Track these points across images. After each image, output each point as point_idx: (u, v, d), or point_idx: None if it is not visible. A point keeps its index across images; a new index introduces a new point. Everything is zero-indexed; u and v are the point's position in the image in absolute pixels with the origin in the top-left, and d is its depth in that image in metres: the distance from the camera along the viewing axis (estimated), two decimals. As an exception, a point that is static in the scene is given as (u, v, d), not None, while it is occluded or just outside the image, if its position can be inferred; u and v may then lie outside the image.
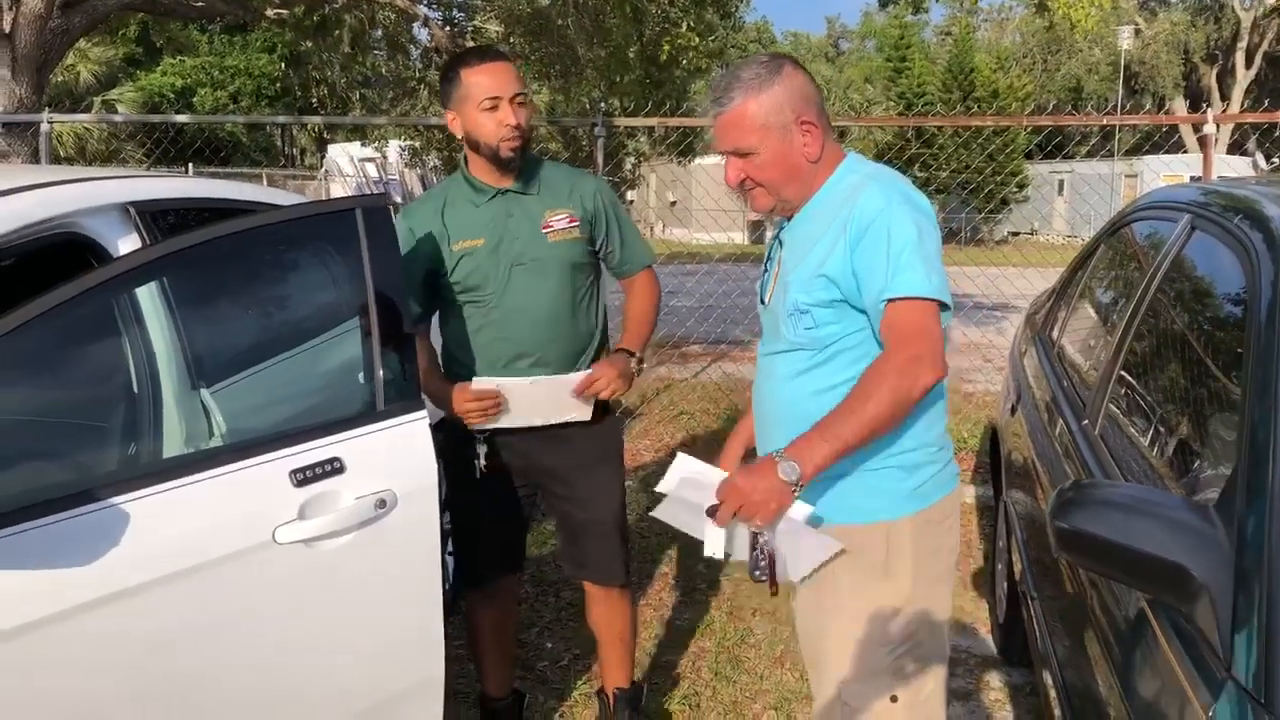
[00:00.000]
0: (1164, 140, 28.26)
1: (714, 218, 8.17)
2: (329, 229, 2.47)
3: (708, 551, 1.98)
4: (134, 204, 2.53)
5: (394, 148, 23.21)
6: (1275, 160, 32.25)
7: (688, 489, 2.03)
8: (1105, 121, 6.29)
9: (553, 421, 2.73)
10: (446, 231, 2.71)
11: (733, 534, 1.98)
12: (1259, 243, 1.97)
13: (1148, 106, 35.26)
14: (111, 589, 1.95)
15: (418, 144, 13.21)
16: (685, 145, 13.09)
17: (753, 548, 1.96)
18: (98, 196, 2.48)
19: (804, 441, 1.87)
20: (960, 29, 41.05)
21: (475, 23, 8.24)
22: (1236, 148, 34.09)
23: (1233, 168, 29.02)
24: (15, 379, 2.02)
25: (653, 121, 6.50)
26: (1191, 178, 27.16)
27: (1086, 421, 2.53)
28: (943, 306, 1.92)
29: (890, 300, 1.89)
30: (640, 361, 2.80)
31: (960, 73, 32.54)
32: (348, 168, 27.41)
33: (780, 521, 1.92)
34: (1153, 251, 2.61)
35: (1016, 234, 32.66)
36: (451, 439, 2.74)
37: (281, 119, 10.02)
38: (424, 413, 2.41)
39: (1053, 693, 2.39)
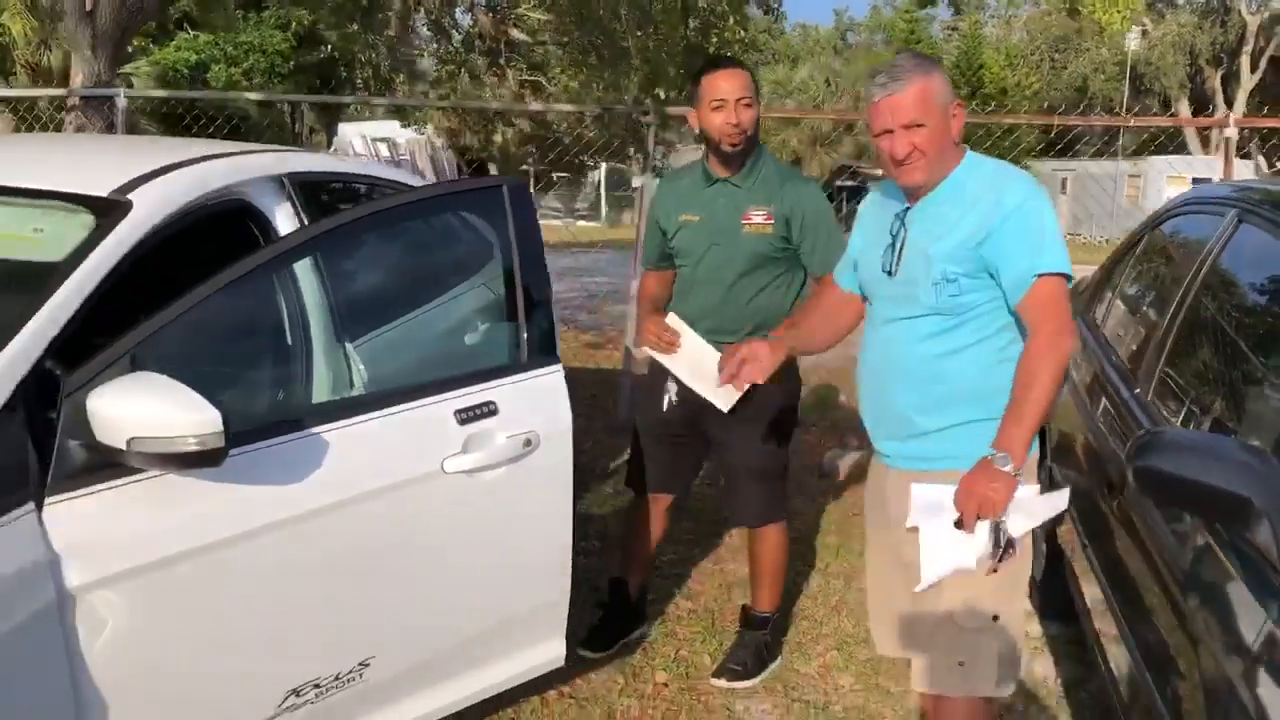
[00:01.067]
0: (1169, 141, 28.52)
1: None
2: (480, 205, 2.79)
3: (936, 570, 2.33)
4: (288, 176, 2.85)
5: (400, 131, 23.51)
6: (1277, 164, 32.74)
7: (925, 517, 2.35)
8: (1131, 123, 6.62)
9: (695, 389, 3.15)
10: (679, 204, 3.26)
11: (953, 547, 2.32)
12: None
13: (1154, 108, 35.57)
14: (318, 504, 2.28)
15: (453, 124, 13.53)
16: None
17: (994, 540, 2.28)
18: (259, 169, 2.81)
19: (1006, 434, 2.24)
20: (969, 25, 41.26)
21: (519, 9, 8.55)
22: (1238, 150, 34.47)
23: (1236, 170, 29.44)
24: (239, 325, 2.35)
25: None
26: (1194, 179, 27.40)
27: (1139, 389, 2.86)
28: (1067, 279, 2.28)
29: (1040, 275, 2.25)
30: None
31: (969, 69, 32.83)
32: (359, 146, 27.72)
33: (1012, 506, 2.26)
34: (1199, 242, 2.94)
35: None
36: (655, 371, 3.30)
37: (346, 99, 10.27)
38: (559, 366, 2.75)
39: (1109, 636, 2.71)
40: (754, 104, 3.13)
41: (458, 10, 8.54)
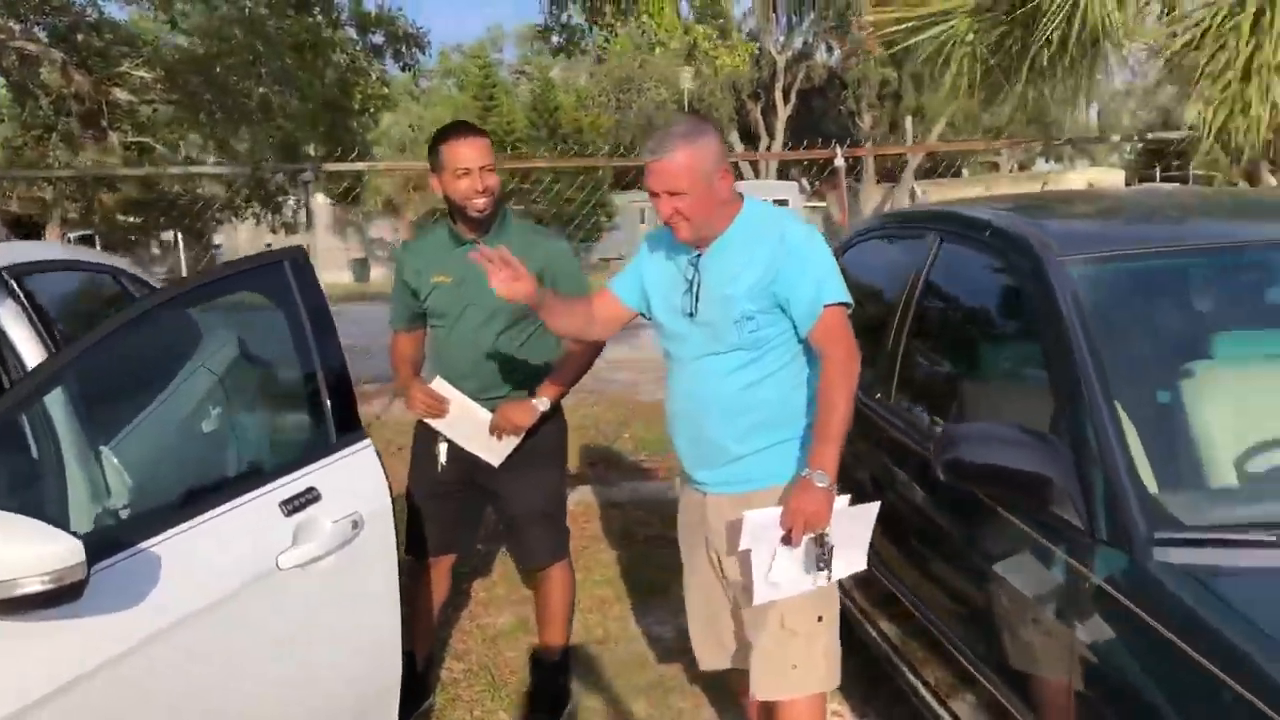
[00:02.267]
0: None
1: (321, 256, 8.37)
2: (261, 282, 2.65)
3: (771, 592, 2.49)
4: (7, 269, 2.59)
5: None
6: (818, 184, 37.19)
7: (756, 540, 2.47)
8: (778, 157, 7.30)
9: (469, 449, 3.25)
10: (429, 265, 3.27)
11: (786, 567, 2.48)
12: (1016, 249, 2.76)
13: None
14: (162, 625, 2.09)
15: (48, 196, 12.17)
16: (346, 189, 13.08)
17: (821, 551, 2.45)
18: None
19: (818, 454, 2.43)
20: (536, 69, 43.04)
21: (122, 68, 7.92)
22: (779, 174, 38.85)
23: (785, 190, 33.04)
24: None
25: (362, 166, 6.70)
26: (776, 200, 30.42)
27: (880, 395, 3.25)
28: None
29: (826, 305, 2.49)
30: (545, 404, 3.26)
31: (546, 110, 34.27)
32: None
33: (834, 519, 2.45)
34: (906, 263, 3.38)
35: (608, 260, 34.90)
36: (424, 434, 3.33)
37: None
38: (369, 440, 2.67)
39: (909, 642, 3.00)
40: (493, 168, 3.20)
41: (42, 70, 7.73)
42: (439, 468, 3.31)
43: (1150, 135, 12.38)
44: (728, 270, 2.59)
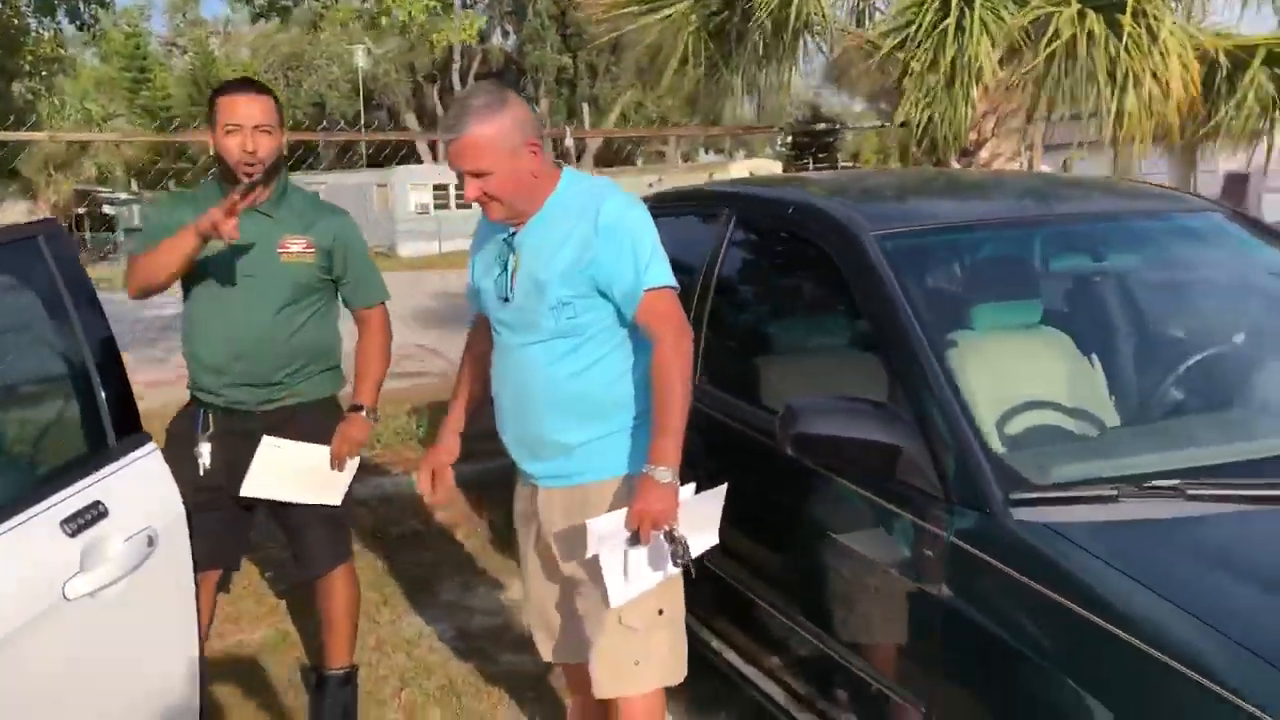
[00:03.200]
0: (393, 153, 30.57)
1: None
2: (11, 261, 2.23)
3: (627, 591, 2.36)
4: None
5: None
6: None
7: (603, 545, 2.31)
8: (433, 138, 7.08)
9: (303, 500, 2.99)
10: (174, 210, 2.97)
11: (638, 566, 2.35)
12: (827, 226, 2.80)
13: (386, 122, 37.95)
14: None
15: None
16: None
17: (671, 545, 2.30)
18: None
19: (658, 448, 2.29)
20: (192, 42, 40.21)
21: None
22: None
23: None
24: None
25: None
26: (435, 185, 29.85)
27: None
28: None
29: (648, 289, 2.36)
30: (373, 412, 3.08)
31: (206, 85, 32.08)
32: None
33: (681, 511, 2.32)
34: (701, 239, 3.34)
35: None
36: (180, 433, 2.99)
37: None
38: (151, 442, 2.32)
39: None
40: (275, 131, 2.90)
41: None
42: (201, 471, 2.92)
43: (821, 126, 13.25)
44: (543, 250, 2.41)
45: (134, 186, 32.71)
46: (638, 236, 2.38)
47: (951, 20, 5.57)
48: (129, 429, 2.27)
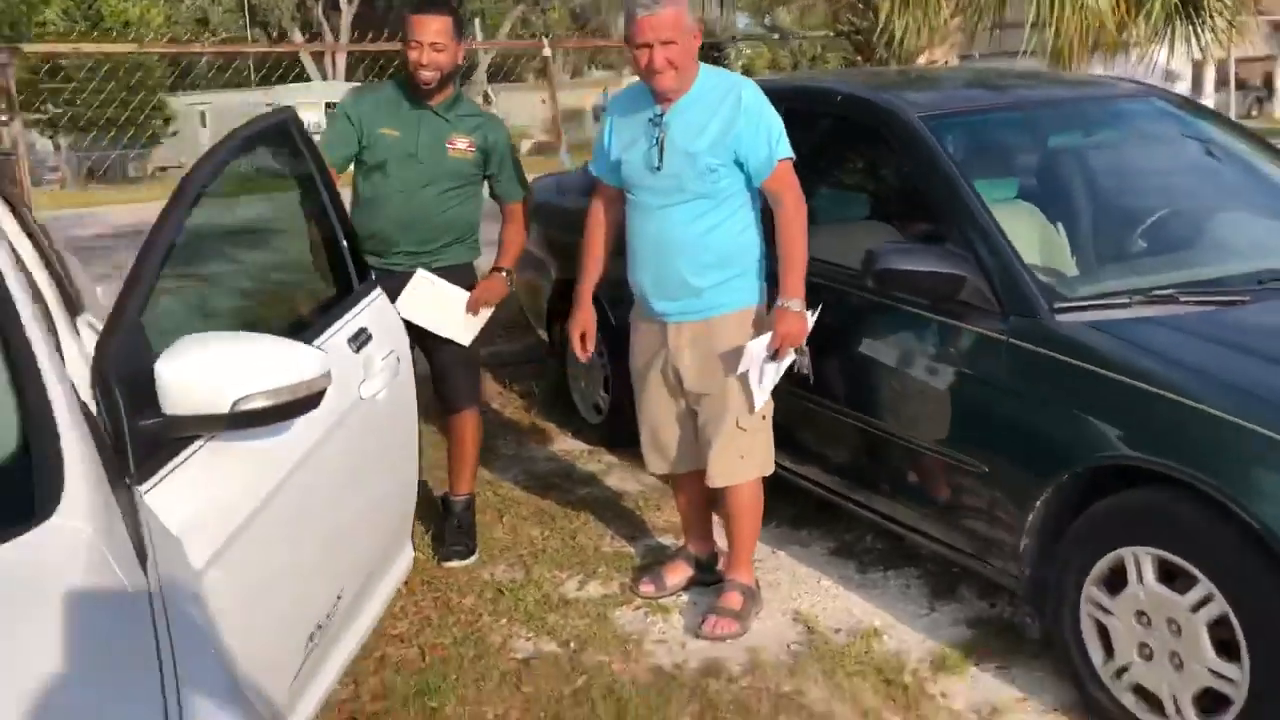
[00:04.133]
0: (288, 71, 30.11)
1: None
2: (274, 140, 2.74)
3: (762, 397, 3.07)
4: None
5: None
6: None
7: (753, 362, 3.00)
8: (252, 50, 7.50)
9: (440, 332, 3.55)
10: (378, 116, 3.52)
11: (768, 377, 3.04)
12: (877, 112, 3.46)
13: (273, 37, 36.94)
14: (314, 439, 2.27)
15: None
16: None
17: (800, 358, 3.04)
18: None
19: (790, 285, 2.98)
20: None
21: None
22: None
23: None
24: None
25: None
26: (326, 103, 29.54)
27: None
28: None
29: (780, 160, 3.01)
30: (511, 275, 3.70)
31: (85, 2, 30.83)
32: None
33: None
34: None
35: (165, 168, 32.43)
36: None
37: None
38: (379, 288, 2.88)
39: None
40: (449, 47, 3.46)
41: None
42: None
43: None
44: (692, 128, 3.03)
45: None
46: (770, 118, 3.03)
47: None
48: (364, 275, 2.83)
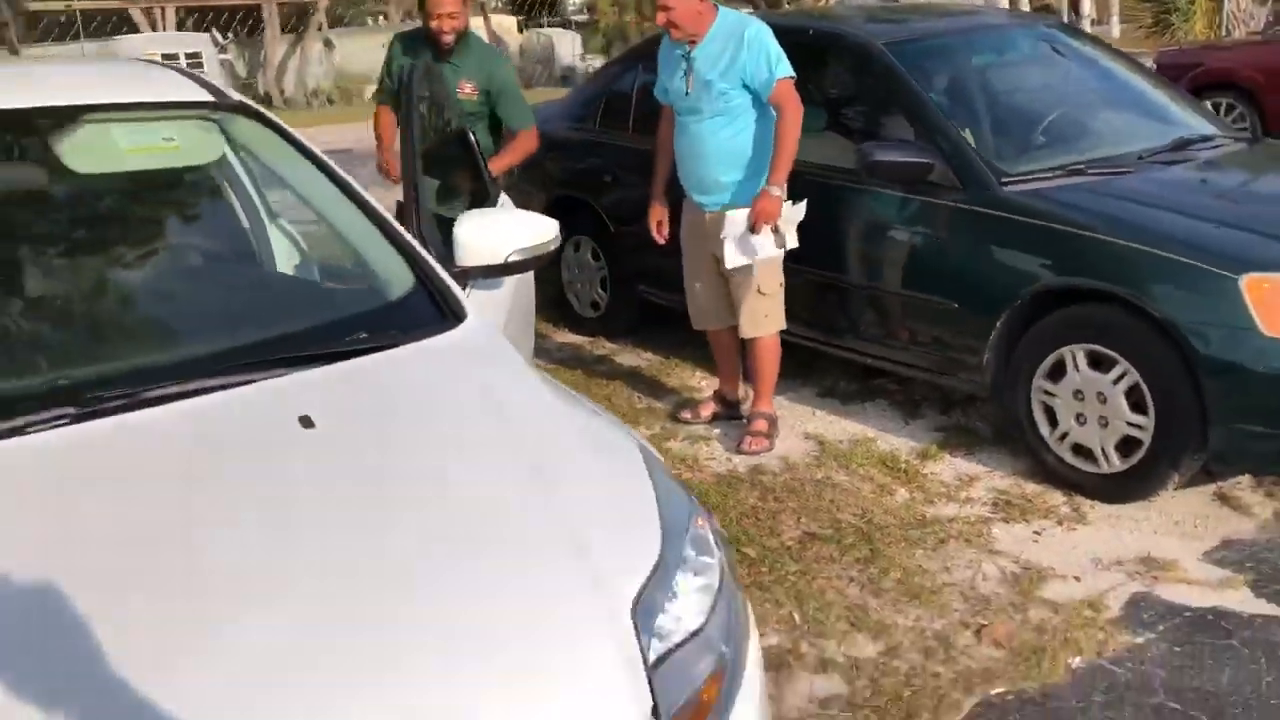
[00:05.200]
0: (119, 25, 29.12)
1: None
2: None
3: (740, 259, 3.94)
4: None
5: None
6: (229, 36, 35.55)
7: (732, 228, 3.90)
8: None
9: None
10: (412, 60, 4.19)
11: (749, 245, 3.94)
12: (845, 41, 4.44)
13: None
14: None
15: None
16: None
17: (775, 235, 3.95)
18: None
19: (774, 173, 3.90)
20: None
21: None
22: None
23: (198, 43, 31.44)
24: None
25: None
26: (164, 55, 28.73)
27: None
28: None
29: (779, 79, 3.93)
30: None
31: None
32: None
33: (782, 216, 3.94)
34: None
35: None
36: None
37: None
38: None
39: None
40: (460, 14, 4.30)
41: None
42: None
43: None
44: (708, 61, 3.96)
45: None
46: (769, 47, 3.94)
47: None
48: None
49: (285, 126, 2.76)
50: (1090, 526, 3.55)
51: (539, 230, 2.76)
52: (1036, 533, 3.53)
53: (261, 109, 2.81)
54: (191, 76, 2.85)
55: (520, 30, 34.28)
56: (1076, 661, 2.83)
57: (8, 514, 1.60)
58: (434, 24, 4.26)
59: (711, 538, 1.85)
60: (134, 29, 33.40)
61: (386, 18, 42.59)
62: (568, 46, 31.83)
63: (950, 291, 3.99)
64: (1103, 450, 3.65)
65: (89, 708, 1.30)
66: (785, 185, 3.95)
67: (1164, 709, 2.63)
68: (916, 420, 4.48)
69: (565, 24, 38.17)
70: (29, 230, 2.42)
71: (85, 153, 2.56)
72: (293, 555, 1.58)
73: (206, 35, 34.23)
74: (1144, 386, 3.50)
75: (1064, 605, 3.09)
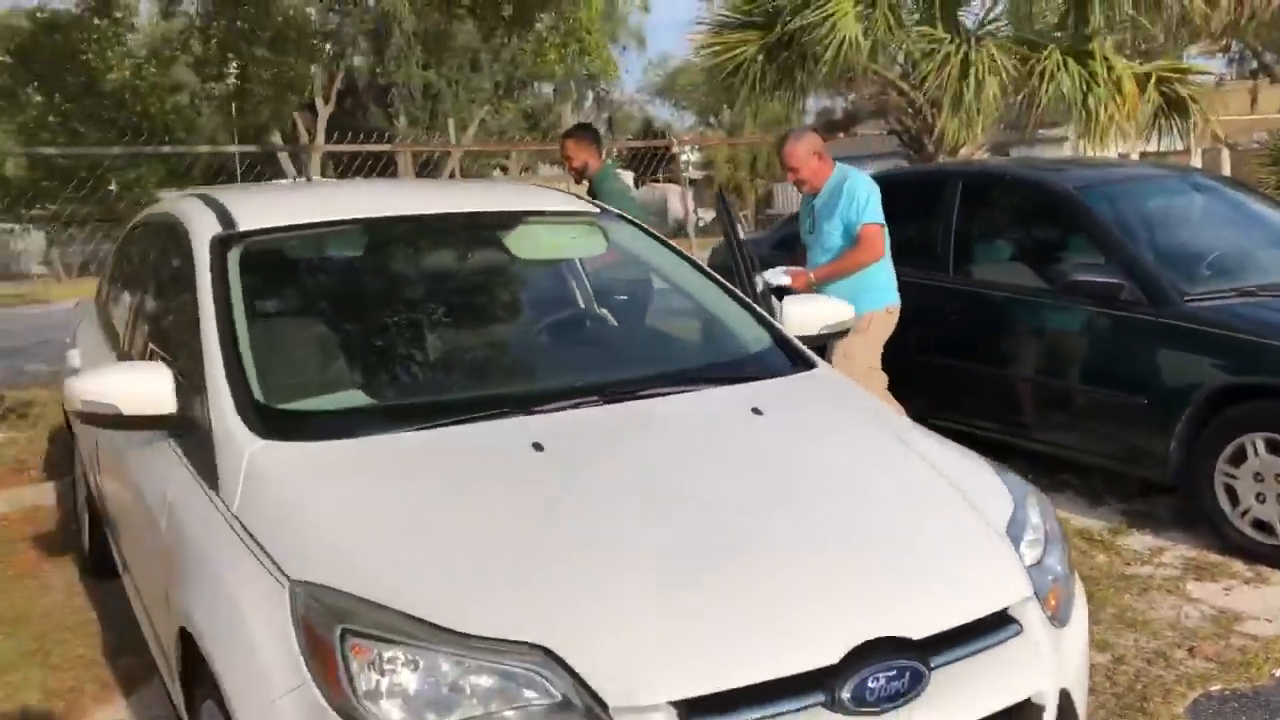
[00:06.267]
0: (264, 170, 31.69)
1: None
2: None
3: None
4: None
5: None
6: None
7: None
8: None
9: None
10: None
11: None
12: (1038, 188, 5.32)
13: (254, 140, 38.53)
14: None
15: None
16: None
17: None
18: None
19: (819, 270, 4.84)
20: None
21: None
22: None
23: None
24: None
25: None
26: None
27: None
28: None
29: (863, 224, 4.82)
30: None
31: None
32: None
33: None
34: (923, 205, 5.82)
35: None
36: None
37: None
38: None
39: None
40: (574, 157, 5.55)
41: None
42: None
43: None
44: (824, 210, 4.95)
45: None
46: (860, 199, 4.85)
47: (956, 59, 8.09)
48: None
49: (647, 227, 3.71)
50: (1274, 586, 4.18)
51: (840, 312, 3.60)
52: (1226, 589, 4.17)
53: (629, 217, 3.77)
54: (579, 196, 3.85)
55: (636, 185, 36.32)
56: (1279, 672, 3.46)
57: (585, 453, 2.47)
58: None
59: (1039, 504, 2.61)
60: (279, 174, 36.47)
61: (506, 171, 45.56)
62: (676, 201, 33.73)
63: (1140, 390, 4.71)
64: (1278, 523, 4.30)
65: (681, 565, 2.10)
66: (814, 283, 4.80)
67: (1358, 705, 3.25)
68: (1102, 506, 5.14)
69: (675, 180, 40.27)
70: (499, 292, 3.39)
71: (522, 240, 3.53)
72: (776, 484, 2.41)
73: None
74: (1315, 469, 4.17)
75: (1261, 636, 3.72)
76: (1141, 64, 8.65)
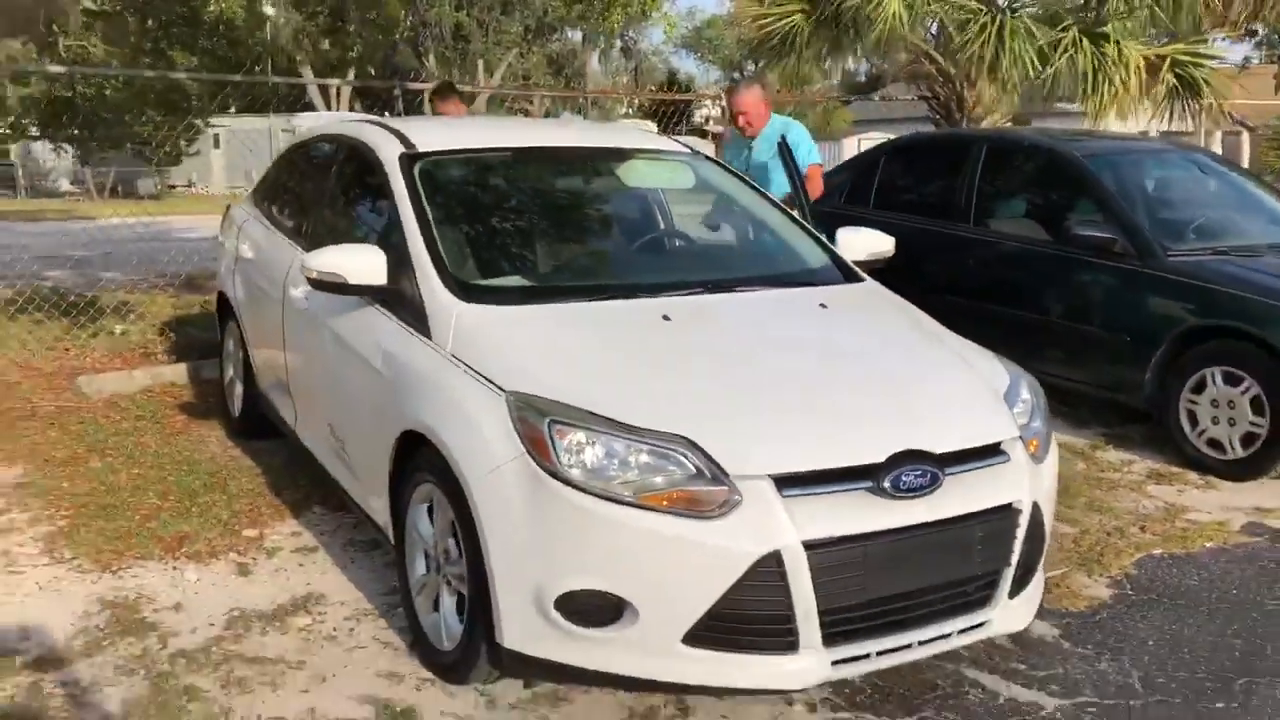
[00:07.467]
0: (295, 101, 32.40)
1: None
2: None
3: None
4: None
5: None
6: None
7: None
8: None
9: None
10: None
11: None
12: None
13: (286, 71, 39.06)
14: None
15: None
16: None
17: None
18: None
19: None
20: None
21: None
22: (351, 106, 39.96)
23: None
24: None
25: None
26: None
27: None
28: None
29: (811, 164, 5.76)
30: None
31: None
32: None
33: None
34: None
35: (174, 186, 34.41)
36: None
37: None
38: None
39: None
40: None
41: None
42: None
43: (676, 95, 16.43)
44: (761, 149, 5.86)
45: None
46: (805, 141, 5.81)
47: (992, 30, 8.84)
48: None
49: (728, 166, 4.60)
50: (1219, 490, 5.09)
51: (882, 243, 4.47)
52: (1180, 490, 5.09)
53: (714, 157, 4.65)
54: (675, 139, 4.72)
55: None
56: (1210, 545, 4.38)
57: (701, 322, 3.39)
58: None
59: (1030, 384, 3.50)
60: (309, 106, 37.15)
61: (528, 114, 46.26)
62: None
63: (1124, 330, 5.60)
64: (1230, 442, 5.20)
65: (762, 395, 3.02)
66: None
67: (1268, 565, 4.17)
68: (1085, 428, 6.05)
69: (699, 133, 41.06)
70: (614, 208, 4.31)
71: (630, 172, 4.42)
72: (840, 350, 3.34)
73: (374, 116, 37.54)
74: (1264, 396, 5.06)
75: (1200, 522, 4.64)
76: (1162, 45, 9.41)
